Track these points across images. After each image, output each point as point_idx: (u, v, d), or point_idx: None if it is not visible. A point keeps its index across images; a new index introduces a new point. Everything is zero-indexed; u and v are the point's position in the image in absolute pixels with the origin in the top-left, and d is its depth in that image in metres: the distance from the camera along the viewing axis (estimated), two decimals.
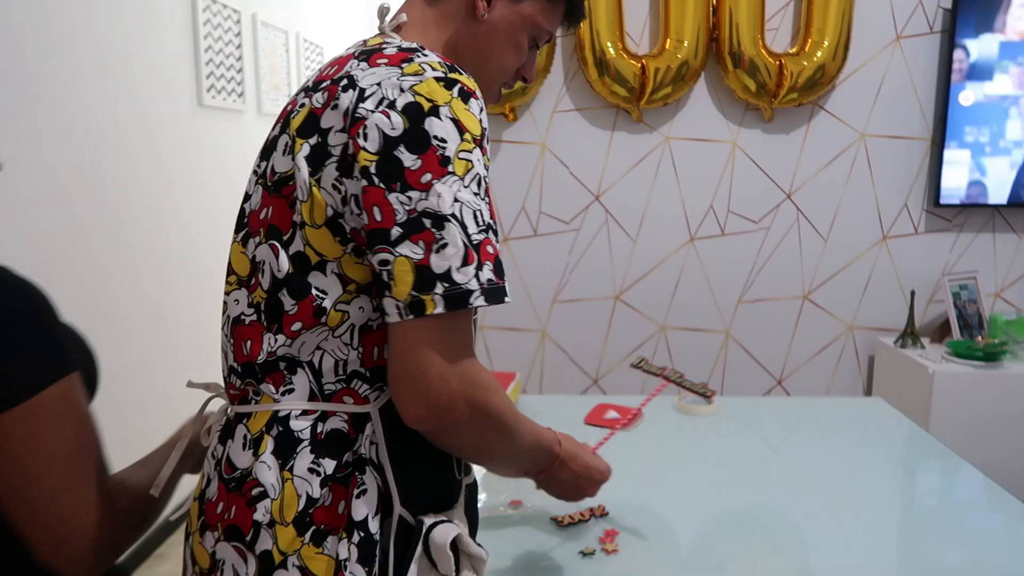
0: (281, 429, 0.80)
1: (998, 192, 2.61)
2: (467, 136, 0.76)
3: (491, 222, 0.77)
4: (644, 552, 1.15)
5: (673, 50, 2.47)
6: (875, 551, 1.16)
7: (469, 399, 0.76)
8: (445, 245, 0.73)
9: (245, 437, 0.82)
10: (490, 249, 0.76)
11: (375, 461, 0.80)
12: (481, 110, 0.79)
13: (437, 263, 0.73)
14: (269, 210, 0.82)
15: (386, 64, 0.79)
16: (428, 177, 0.74)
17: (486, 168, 0.78)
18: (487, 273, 0.75)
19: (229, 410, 0.87)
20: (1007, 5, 2.50)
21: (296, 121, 0.82)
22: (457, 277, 0.73)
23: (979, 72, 2.54)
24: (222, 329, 0.88)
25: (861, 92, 2.62)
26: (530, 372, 2.79)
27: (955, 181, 2.60)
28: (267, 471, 0.80)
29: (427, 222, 0.73)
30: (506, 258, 2.71)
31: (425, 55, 0.81)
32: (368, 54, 0.82)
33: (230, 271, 0.88)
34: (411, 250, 0.73)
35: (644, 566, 1.11)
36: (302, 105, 0.83)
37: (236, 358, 0.84)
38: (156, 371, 2.72)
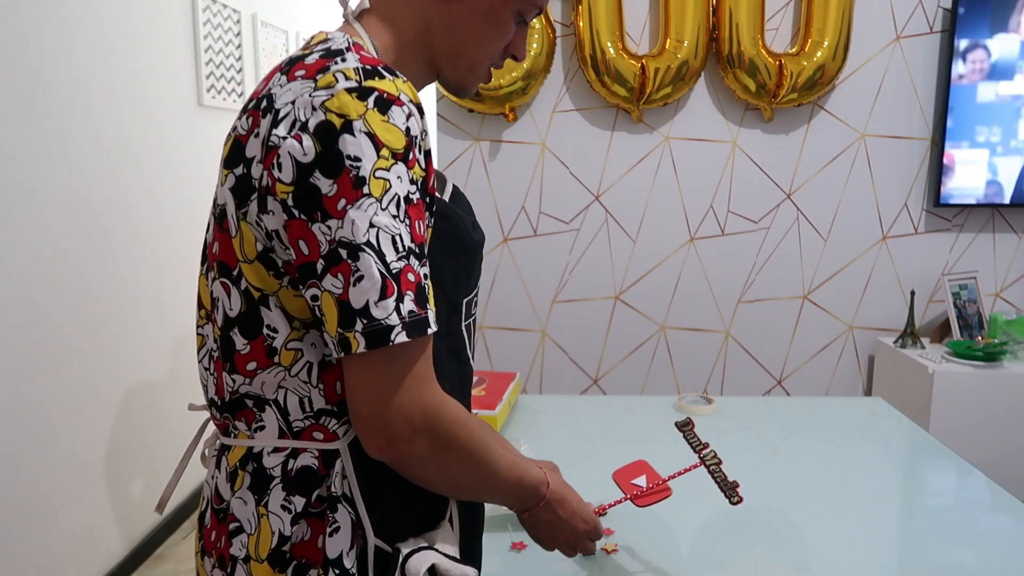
0: (255, 465, 0.79)
1: (1009, 192, 2.61)
2: (384, 152, 0.69)
3: (412, 245, 0.71)
4: (644, 552, 1.15)
5: (673, 50, 2.47)
6: (875, 551, 1.16)
7: (431, 431, 0.73)
8: (361, 277, 0.68)
9: (226, 470, 0.82)
10: (411, 276, 0.71)
11: (348, 495, 0.78)
12: (409, 116, 0.72)
13: (355, 297, 0.69)
14: (217, 245, 0.79)
15: (302, 77, 0.73)
16: (343, 203, 0.68)
17: (415, 182, 0.72)
18: (408, 304, 0.70)
19: (218, 439, 0.86)
20: (1020, 5, 2.50)
21: (225, 150, 0.78)
22: (376, 312, 0.69)
23: (999, 71, 2.54)
24: (200, 361, 0.85)
25: (861, 92, 2.62)
26: (530, 372, 2.79)
27: (971, 181, 2.60)
28: (243, 507, 0.79)
29: (343, 253, 0.69)
30: (506, 258, 2.72)
31: (344, 60, 0.73)
32: (292, 64, 0.76)
33: (200, 304, 0.85)
34: (332, 284, 0.69)
35: (644, 566, 1.11)
36: (233, 130, 0.78)
37: (213, 392, 0.83)
38: (157, 370, 2.72)
